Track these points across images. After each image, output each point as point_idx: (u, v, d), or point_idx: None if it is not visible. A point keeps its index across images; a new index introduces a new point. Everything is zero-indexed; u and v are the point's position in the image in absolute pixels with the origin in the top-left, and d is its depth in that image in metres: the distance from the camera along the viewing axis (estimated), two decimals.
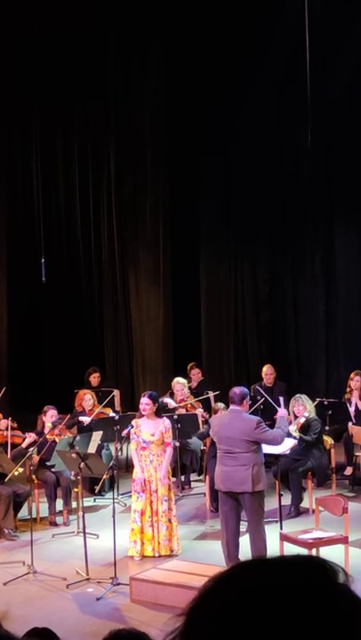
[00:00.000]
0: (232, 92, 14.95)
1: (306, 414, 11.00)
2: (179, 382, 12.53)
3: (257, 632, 0.92)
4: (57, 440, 10.74)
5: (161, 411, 10.13)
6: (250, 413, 9.71)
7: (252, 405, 10.82)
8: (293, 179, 14.84)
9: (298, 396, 11.28)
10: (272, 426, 11.31)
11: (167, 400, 12.23)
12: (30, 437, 10.76)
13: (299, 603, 0.94)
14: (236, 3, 14.26)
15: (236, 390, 8.95)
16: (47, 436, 10.92)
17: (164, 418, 9.77)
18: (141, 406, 9.54)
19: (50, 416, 11.19)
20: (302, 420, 10.94)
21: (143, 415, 9.53)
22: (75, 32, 15.10)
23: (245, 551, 8.73)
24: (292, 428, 10.85)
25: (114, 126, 15.86)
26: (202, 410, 12.20)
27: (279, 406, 10.55)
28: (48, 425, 11.20)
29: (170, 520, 9.53)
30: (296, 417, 11.02)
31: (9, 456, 10.44)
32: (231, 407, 8.96)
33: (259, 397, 11.99)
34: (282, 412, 9.89)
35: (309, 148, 13.83)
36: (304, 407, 11.08)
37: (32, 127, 15.72)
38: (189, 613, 0.97)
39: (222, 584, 0.97)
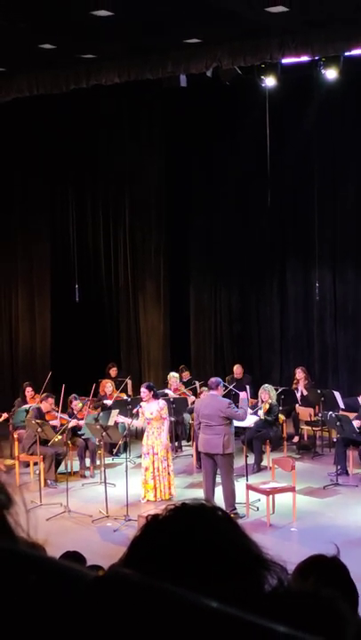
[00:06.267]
0: (212, 169, 14.98)
1: (270, 400, 11.00)
2: (173, 376, 12.87)
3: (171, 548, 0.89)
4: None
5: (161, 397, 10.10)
6: (226, 397, 9.73)
7: (228, 393, 10.81)
8: (257, 229, 14.84)
9: (265, 385, 11.26)
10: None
11: (167, 391, 12.35)
12: (73, 422, 10.72)
13: (190, 522, 0.92)
14: (213, 102, 14.26)
15: (213, 379, 9.09)
16: (78, 415, 10.94)
17: (160, 399, 9.81)
18: (142, 394, 9.60)
19: (75, 404, 11.21)
20: (267, 406, 10.95)
21: (143, 400, 9.58)
22: (102, 126, 15.20)
23: (220, 497, 8.73)
24: (261, 412, 10.87)
25: (128, 192, 15.82)
26: (193, 397, 12.21)
27: (245, 391, 10.52)
28: (79, 405, 11.21)
29: (169, 473, 9.55)
30: (263, 402, 11.01)
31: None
32: (210, 392, 9.02)
33: (232, 387, 11.98)
34: (242, 395, 9.85)
35: (269, 206, 13.88)
36: (268, 395, 11.06)
37: (69, 190, 15.75)
38: (133, 543, 0.95)
39: (154, 524, 0.95)
